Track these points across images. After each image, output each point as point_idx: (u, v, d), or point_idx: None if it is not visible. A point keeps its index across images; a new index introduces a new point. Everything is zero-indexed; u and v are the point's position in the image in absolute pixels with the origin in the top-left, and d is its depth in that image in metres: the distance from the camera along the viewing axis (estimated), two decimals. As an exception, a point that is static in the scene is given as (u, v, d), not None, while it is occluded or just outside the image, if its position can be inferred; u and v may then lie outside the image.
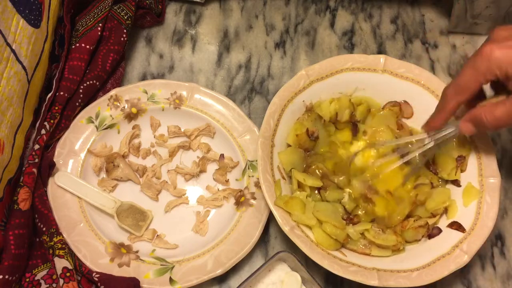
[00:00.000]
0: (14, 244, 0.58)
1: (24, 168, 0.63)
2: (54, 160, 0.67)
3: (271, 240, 0.68)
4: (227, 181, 0.70)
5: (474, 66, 0.53)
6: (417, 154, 0.64)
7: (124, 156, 0.71)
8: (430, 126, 0.62)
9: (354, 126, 0.68)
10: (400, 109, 0.69)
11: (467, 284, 0.67)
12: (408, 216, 0.64)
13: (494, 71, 0.51)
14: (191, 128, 0.72)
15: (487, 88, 0.57)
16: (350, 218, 0.62)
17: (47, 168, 0.66)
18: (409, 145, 0.65)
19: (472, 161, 0.65)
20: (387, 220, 0.63)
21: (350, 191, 0.64)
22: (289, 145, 0.67)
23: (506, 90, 0.53)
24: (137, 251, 0.65)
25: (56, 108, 0.68)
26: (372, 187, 0.63)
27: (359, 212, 0.63)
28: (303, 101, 0.67)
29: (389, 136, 0.67)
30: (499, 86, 0.55)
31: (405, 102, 0.69)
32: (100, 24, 0.73)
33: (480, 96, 0.57)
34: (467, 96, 0.55)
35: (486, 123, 0.55)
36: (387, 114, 0.69)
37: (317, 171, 0.65)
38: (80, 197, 0.66)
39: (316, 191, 0.64)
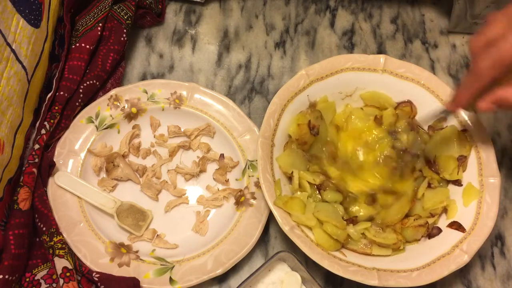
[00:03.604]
0: (14, 244, 0.58)
1: (24, 168, 0.63)
2: (54, 160, 0.67)
3: (271, 240, 0.68)
4: (227, 181, 0.70)
5: None
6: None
7: (124, 156, 0.71)
8: (457, 103, 0.57)
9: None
10: (411, 108, 0.69)
11: (467, 284, 0.67)
12: (408, 215, 0.64)
13: None
14: (191, 128, 0.72)
15: None
16: (351, 218, 0.62)
17: (47, 168, 0.66)
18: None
19: (472, 161, 0.65)
20: (385, 216, 0.63)
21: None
22: (289, 136, 0.67)
23: None
24: (137, 251, 0.65)
25: (56, 108, 0.68)
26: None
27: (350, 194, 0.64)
28: (308, 95, 0.67)
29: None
30: None
31: (409, 101, 0.69)
32: (100, 24, 0.73)
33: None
34: (506, 71, 0.51)
35: None
36: (400, 114, 0.69)
37: (320, 165, 0.65)
38: (80, 197, 0.66)
39: (317, 192, 0.64)
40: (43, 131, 0.66)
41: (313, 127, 0.66)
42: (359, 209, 0.63)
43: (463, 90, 0.56)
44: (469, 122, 0.66)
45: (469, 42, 0.54)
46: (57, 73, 0.70)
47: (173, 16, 0.82)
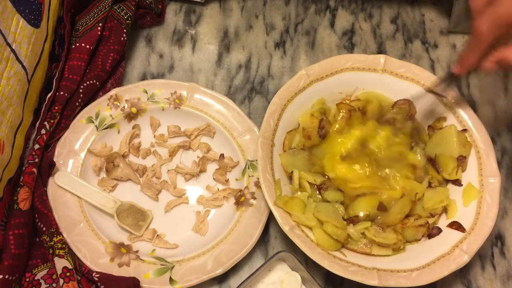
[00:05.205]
0: (14, 244, 0.58)
1: (24, 168, 0.63)
2: (54, 160, 0.67)
3: (271, 240, 0.68)
4: (227, 181, 0.70)
5: None
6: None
7: (124, 156, 0.71)
8: (464, 66, 0.57)
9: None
10: (409, 106, 0.69)
11: (467, 284, 0.67)
12: (408, 215, 0.64)
13: None
14: (191, 128, 0.72)
15: None
16: (351, 218, 0.62)
17: (47, 168, 0.66)
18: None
19: (472, 161, 0.65)
20: (386, 216, 0.63)
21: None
22: (293, 129, 0.67)
23: None
24: (137, 251, 0.65)
25: (56, 108, 0.68)
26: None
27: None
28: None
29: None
30: None
31: (407, 99, 0.69)
32: (100, 24, 0.73)
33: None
34: (508, 30, 0.50)
35: None
36: (398, 112, 0.69)
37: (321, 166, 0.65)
38: (80, 197, 0.66)
39: (317, 192, 0.64)
40: (43, 131, 0.66)
41: (323, 127, 0.66)
42: (360, 209, 0.63)
43: (468, 53, 0.55)
44: (469, 122, 0.66)
45: (470, 1, 0.52)
46: (57, 73, 0.70)
47: (173, 16, 0.82)
